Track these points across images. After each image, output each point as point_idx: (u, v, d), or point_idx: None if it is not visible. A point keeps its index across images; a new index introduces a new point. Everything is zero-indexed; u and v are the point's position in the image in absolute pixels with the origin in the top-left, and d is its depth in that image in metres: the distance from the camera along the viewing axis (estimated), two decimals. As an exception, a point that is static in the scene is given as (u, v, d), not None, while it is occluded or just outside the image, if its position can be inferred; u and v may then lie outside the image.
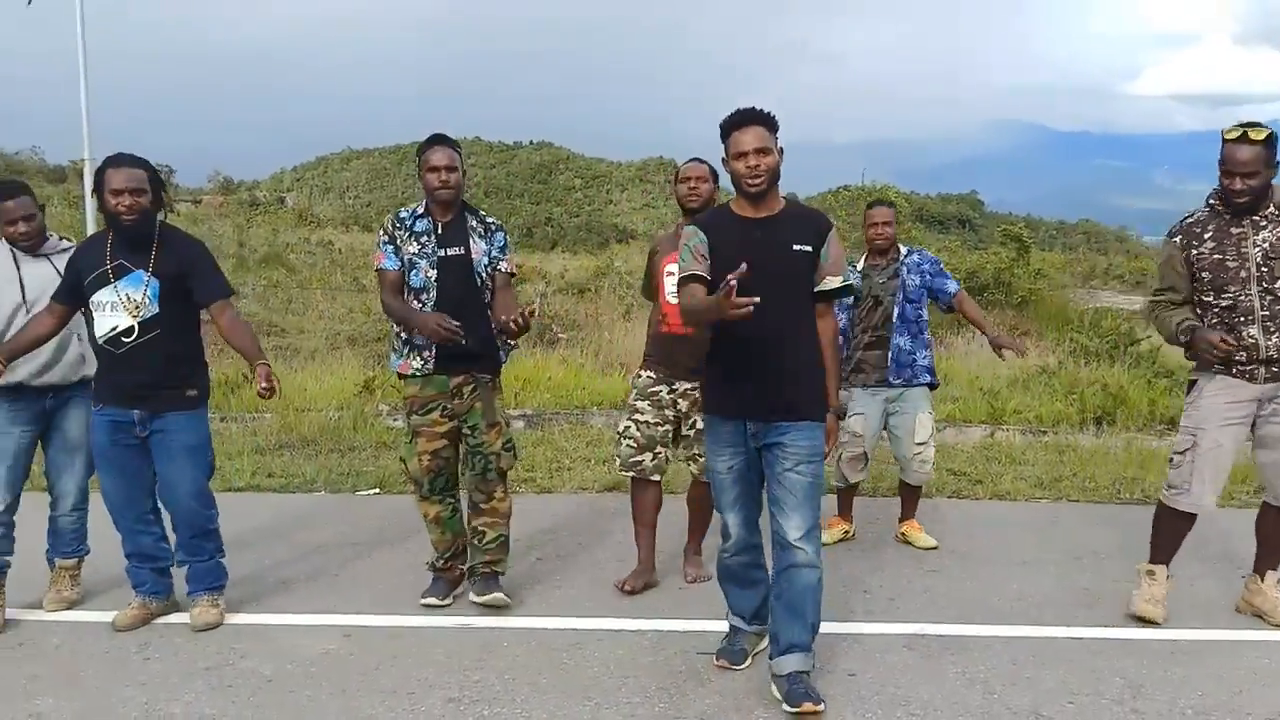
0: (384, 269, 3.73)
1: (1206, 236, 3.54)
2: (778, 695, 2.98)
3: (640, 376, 4.03)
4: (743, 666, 3.25)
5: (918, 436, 4.54)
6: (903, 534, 4.73)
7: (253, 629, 3.64)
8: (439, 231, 3.72)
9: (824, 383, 3.08)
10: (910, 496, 4.75)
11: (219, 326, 3.64)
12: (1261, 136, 3.35)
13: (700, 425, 3.69)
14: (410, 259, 3.69)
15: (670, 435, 4.00)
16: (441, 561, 3.93)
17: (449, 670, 3.25)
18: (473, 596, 3.80)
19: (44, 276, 3.74)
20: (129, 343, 3.49)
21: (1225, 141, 3.42)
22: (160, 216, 3.62)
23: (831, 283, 3.02)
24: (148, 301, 3.51)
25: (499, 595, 3.77)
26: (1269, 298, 3.44)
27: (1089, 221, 51.53)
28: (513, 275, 3.89)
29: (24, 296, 3.73)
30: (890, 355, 4.49)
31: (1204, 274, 3.53)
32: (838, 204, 18.51)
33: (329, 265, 17.22)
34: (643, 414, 3.96)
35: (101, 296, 3.51)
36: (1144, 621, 3.62)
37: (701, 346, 3.22)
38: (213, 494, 3.74)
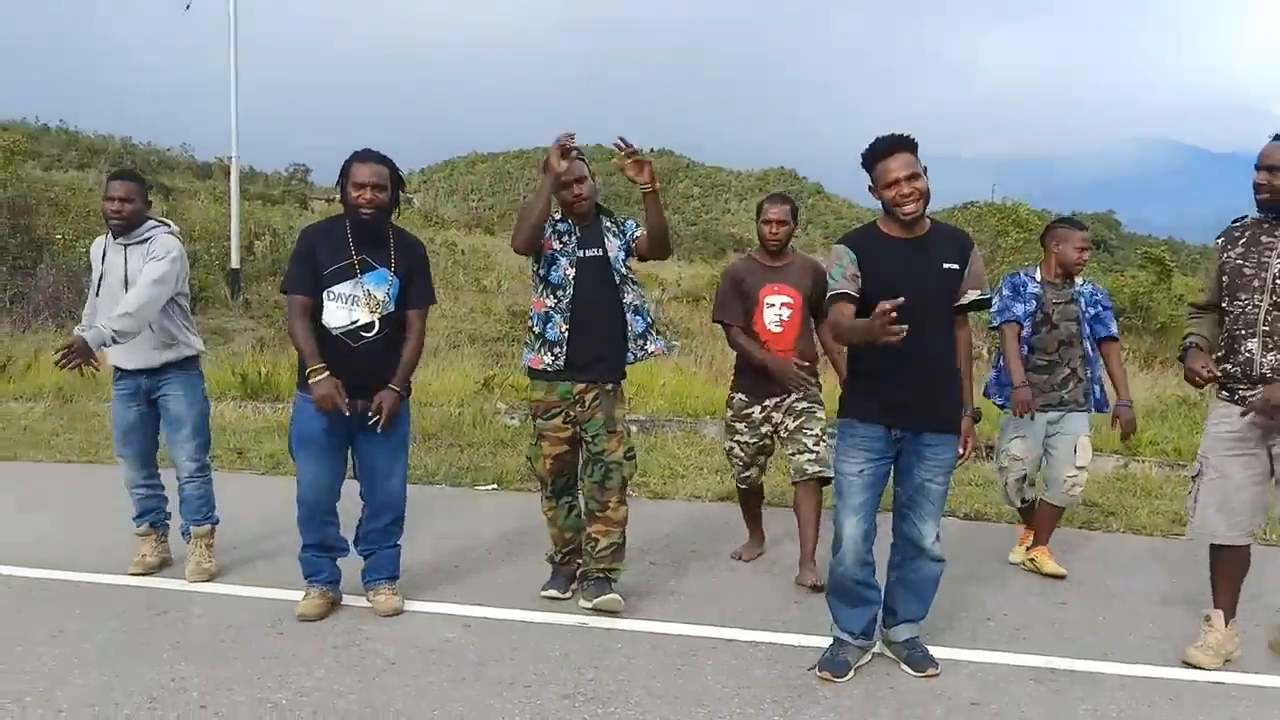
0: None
1: (1240, 241, 3.42)
2: (896, 659, 3.31)
3: (734, 398, 4.41)
4: (845, 679, 3.24)
5: (1079, 460, 4.44)
6: (1031, 559, 4.57)
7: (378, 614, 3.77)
8: (578, 234, 3.82)
9: (963, 394, 3.24)
10: (1049, 520, 4.59)
11: (409, 329, 3.69)
12: None
13: (795, 423, 4.21)
14: (552, 254, 3.77)
15: (769, 446, 4.40)
16: (560, 556, 4.03)
17: (564, 667, 3.31)
18: (583, 602, 3.85)
19: (116, 266, 3.97)
20: (369, 337, 3.58)
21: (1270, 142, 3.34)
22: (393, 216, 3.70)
23: (970, 295, 3.16)
24: (387, 299, 3.60)
25: (612, 598, 3.79)
26: (1275, 312, 3.27)
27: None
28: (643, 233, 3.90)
29: (126, 287, 3.91)
30: (1090, 391, 4.48)
31: (1224, 278, 3.43)
32: (965, 220, 18.02)
33: (452, 265, 17.76)
34: (741, 434, 4.38)
35: (343, 289, 3.56)
36: (1191, 666, 3.44)
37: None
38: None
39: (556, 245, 3.77)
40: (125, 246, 4.00)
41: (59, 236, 13.77)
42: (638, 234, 3.87)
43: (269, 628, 3.61)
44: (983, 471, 6.83)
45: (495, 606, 3.87)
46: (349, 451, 3.76)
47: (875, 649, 3.41)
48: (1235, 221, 3.54)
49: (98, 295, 4.04)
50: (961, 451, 3.22)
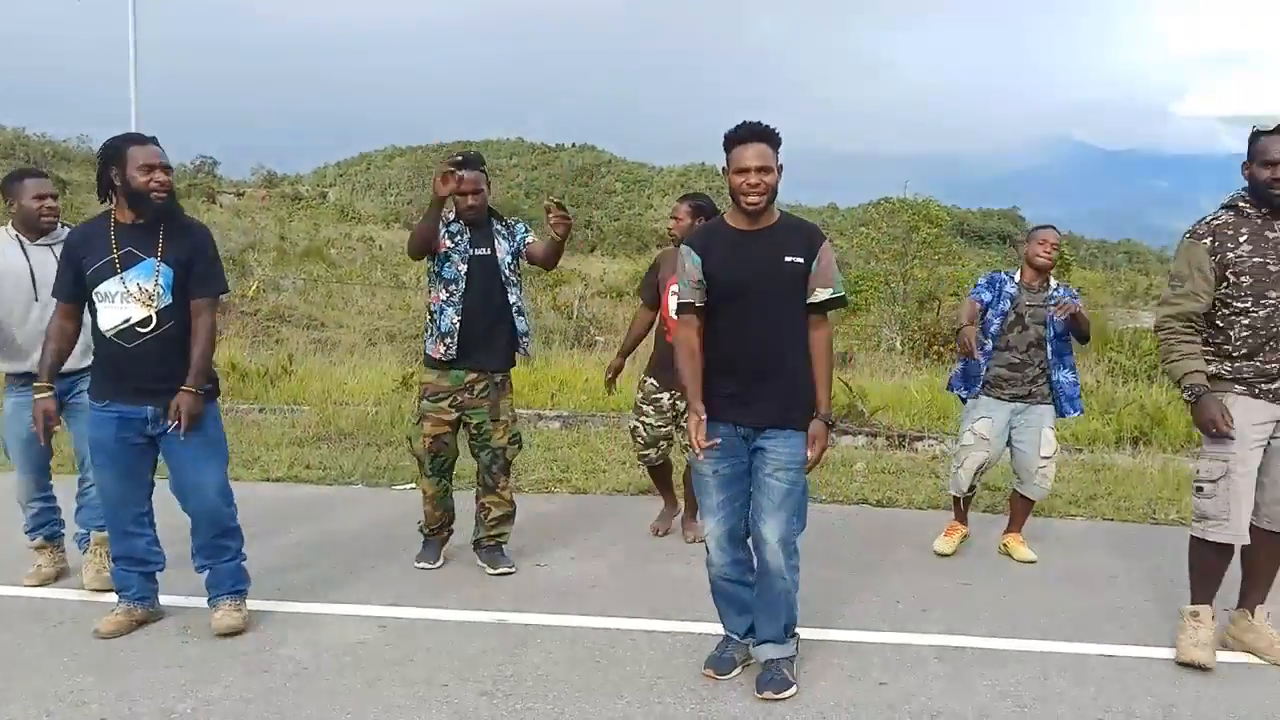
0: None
1: (1242, 239, 3.32)
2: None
3: (646, 382, 4.69)
4: (730, 676, 3.23)
5: (1044, 450, 4.59)
6: (1004, 545, 4.75)
7: (289, 617, 3.70)
8: (469, 235, 4.13)
9: (813, 393, 3.11)
10: (1023, 510, 4.77)
11: (196, 321, 3.42)
12: None
13: None
14: (446, 252, 4.08)
15: (672, 431, 4.66)
16: (430, 530, 4.39)
17: (482, 664, 3.30)
18: (486, 570, 4.25)
19: (49, 264, 3.78)
20: (146, 334, 3.33)
21: (1262, 135, 3.28)
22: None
23: (821, 294, 3.07)
24: (161, 291, 3.34)
25: (506, 567, 4.25)
26: None
27: (1131, 241, 50.85)
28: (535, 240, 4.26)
29: (35, 291, 3.83)
30: (1059, 392, 4.60)
31: (1244, 279, 3.30)
32: (879, 215, 18.42)
33: (369, 261, 17.48)
34: (648, 417, 4.66)
35: (108, 288, 3.32)
36: (1195, 668, 3.38)
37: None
38: (231, 490, 3.59)
39: (449, 244, 4.08)
40: (50, 247, 3.88)
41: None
42: (529, 240, 4.21)
43: (173, 636, 3.51)
44: (894, 459, 7.03)
45: (412, 606, 3.83)
46: (155, 459, 3.51)
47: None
48: (1212, 220, 3.41)
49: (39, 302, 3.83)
50: (810, 455, 3.07)
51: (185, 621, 3.62)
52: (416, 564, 4.33)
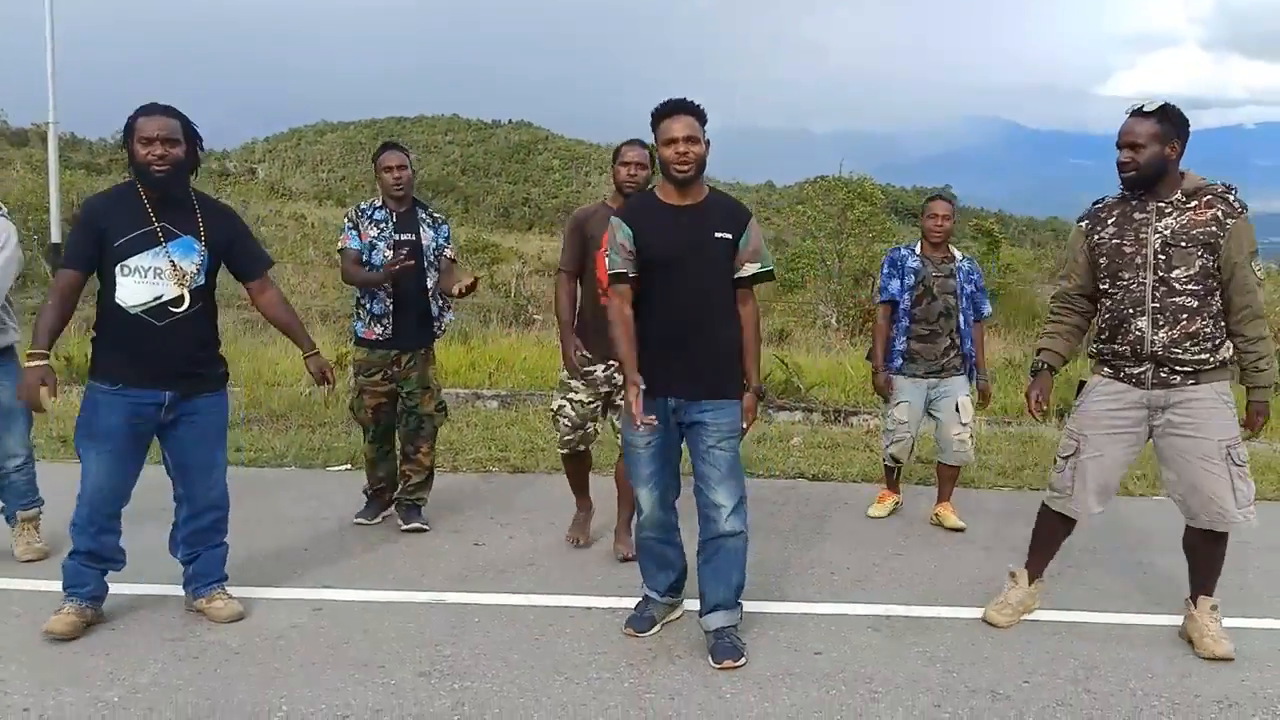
0: (347, 248, 4.40)
1: (1110, 221, 3.37)
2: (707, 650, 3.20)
3: (575, 353, 4.08)
4: (650, 634, 3.37)
5: (962, 418, 4.75)
6: (936, 515, 4.88)
7: (221, 601, 3.62)
8: (394, 220, 4.40)
9: (743, 363, 3.24)
10: (948, 478, 4.91)
11: (261, 302, 3.49)
12: (1153, 109, 3.22)
13: None
14: (371, 241, 4.36)
15: (600, 409, 4.18)
16: (373, 490, 4.71)
17: (420, 645, 3.27)
18: (400, 524, 4.55)
19: None
20: (178, 314, 3.23)
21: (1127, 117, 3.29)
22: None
23: (750, 269, 3.19)
24: (197, 273, 3.27)
25: (419, 523, 4.54)
26: (1163, 288, 3.23)
27: (1058, 219, 52.17)
28: (454, 261, 4.58)
29: None
30: (967, 360, 4.77)
31: (1102, 259, 3.36)
32: (815, 193, 18.58)
33: (301, 239, 17.08)
34: (578, 393, 4.14)
35: (143, 261, 3.19)
36: (988, 624, 3.54)
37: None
38: None
39: (374, 232, 4.37)
40: None
41: None
42: (448, 251, 4.51)
43: (98, 624, 3.41)
44: (830, 434, 7.15)
45: (347, 588, 3.78)
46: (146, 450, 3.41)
47: (685, 605, 3.53)
48: (1096, 203, 3.48)
49: None
50: (745, 425, 3.21)
51: (110, 608, 3.51)
52: (354, 519, 4.63)
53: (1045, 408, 3.56)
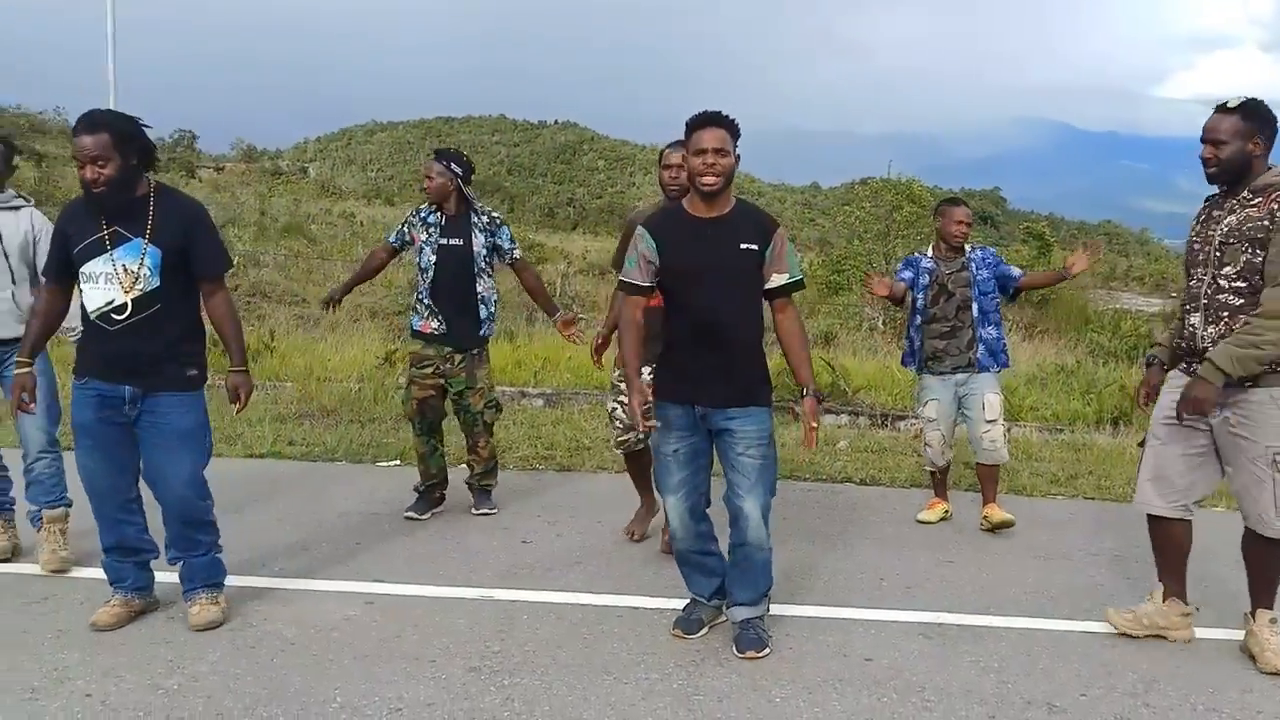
0: (384, 239, 4.81)
1: (1199, 219, 3.40)
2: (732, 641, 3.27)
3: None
4: (698, 635, 3.38)
5: (988, 415, 4.75)
6: (984, 517, 4.83)
7: (274, 593, 3.69)
8: (442, 224, 4.56)
9: (794, 373, 3.25)
10: (988, 479, 4.88)
11: (207, 305, 3.34)
12: (1235, 104, 3.20)
13: None
14: (420, 243, 4.56)
15: (653, 410, 4.09)
16: (424, 487, 4.78)
17: (469, 640, 3.30)
18: (472, 509, 4.79)
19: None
20: (121, 320, 3.19)
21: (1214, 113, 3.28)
22: (149, 175, 3.27)
23: (777, 280, 3.20)
24: (147, 274, 3.19)
25: (488, 509, 4.81)
26: (1214, 286, 3.22)
27: (1111, 223, 51.20)
28: (521, 259, 4.76)
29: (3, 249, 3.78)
30: (983, 346, 4.78)
31: (1186, 256, 3.43)
32: (861, 195, 18.42)
33: (350, 237, 17.32)
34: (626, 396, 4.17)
35: (94, 267, 3.18)
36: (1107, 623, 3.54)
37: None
38: (207, 483, 3.40)
39: (423, 236, 4.56)
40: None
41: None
42: (516, 255, 4.68)
43: (159, 612, 3.48)
44: (876, 438, 7.08)
45: (398, 583, 3.83)
46: (137, 442, 3.36)
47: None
48: (1206, 200, 3.44)
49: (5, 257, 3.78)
50: (809, 428, 3.15)
51: (170, 598, 3.59)
52: (405, 514, 4.69)
53: (1147, 401, 3.56)
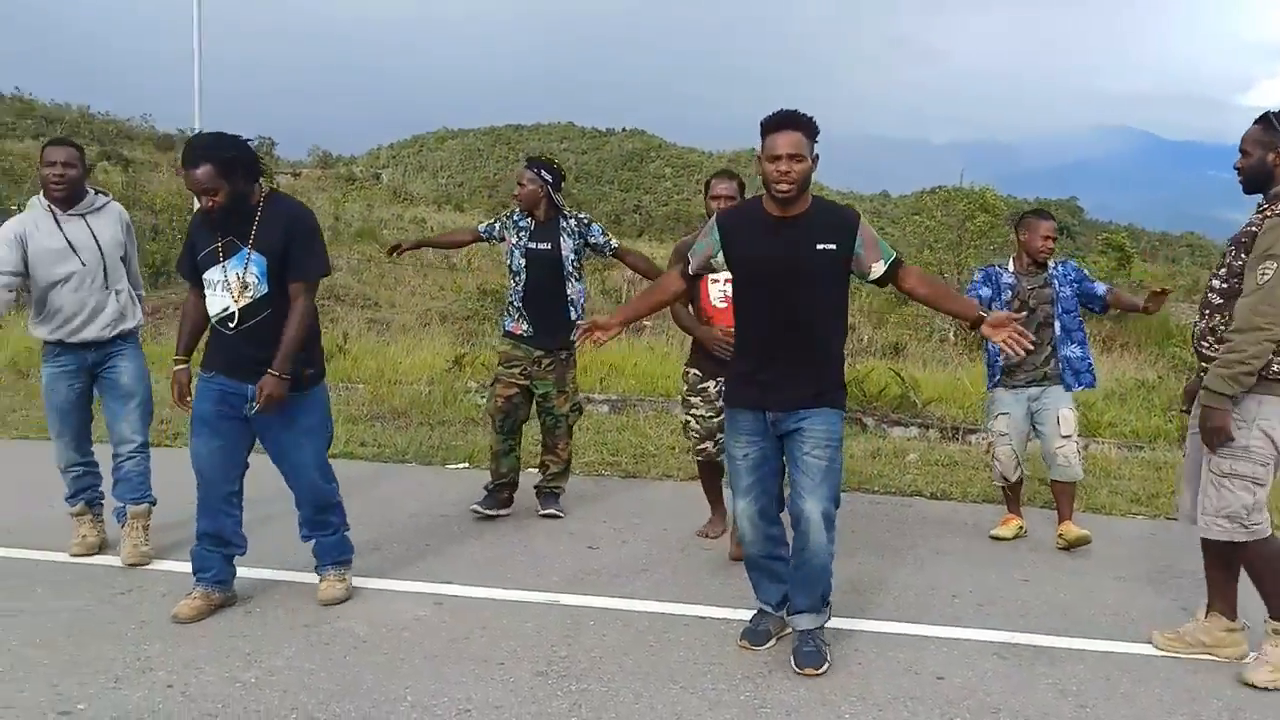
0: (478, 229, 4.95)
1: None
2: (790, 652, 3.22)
3: (689, 373, 4.40)
4: (765, 648, 3.33)
5: (1063, 430, 4.61)
6: (1060, 535, 4.69)
7: (348, 590, 3.75)
8: (532, 229, 4.63)
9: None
10: (1063, 496, 4.74)
11: (291, 304, 3.39)
12: (1263, 116, 3.26)
13: None
14: (510, 247, 4.66)
15: (722, 421, 4.20)
16: (494, 485, 4.80)
17: (537, 644, 3.32)
18: (538, 509, 4.84)
19: (81, 234, 3.90)
20: (234, 328, 3.36)
21: None
22: (262, 186, 3.45)
23: (878, 269, 3.14)
24: (255, 281, 3.34)
25: (555, 511, 4.85)
26: (1210, 285, 3.32)
27: (1194, 235, 49.44)
28: (619, 247, 4.82)
29: (81, 259, 3.86)
30: (1066, 365, 4.65)
31: None
32: (933, 203, 18.10)
33: (421, 243, 17.60)
34: (697, 409, 4.35)
35: (212, 275, 3.39)
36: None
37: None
38: (331, 468, 3.66)
39: (513, 240, 4.65)
40: (83, 216, 3.93)
41: (14, 207, 13.47)
42: (614, 245, 4.76)
43: (238, 606, 3.58)
44: (947, 451, 6.93)
45: (466, 584, 3.87)
46: (252, 439, 3.55)
47: None
48: None
49: (63, 278, 3.85)
50: (1005, 334, 3.01)
51: (247, 592, 3.69)
52: (471, 506, 4.77)
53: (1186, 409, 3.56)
